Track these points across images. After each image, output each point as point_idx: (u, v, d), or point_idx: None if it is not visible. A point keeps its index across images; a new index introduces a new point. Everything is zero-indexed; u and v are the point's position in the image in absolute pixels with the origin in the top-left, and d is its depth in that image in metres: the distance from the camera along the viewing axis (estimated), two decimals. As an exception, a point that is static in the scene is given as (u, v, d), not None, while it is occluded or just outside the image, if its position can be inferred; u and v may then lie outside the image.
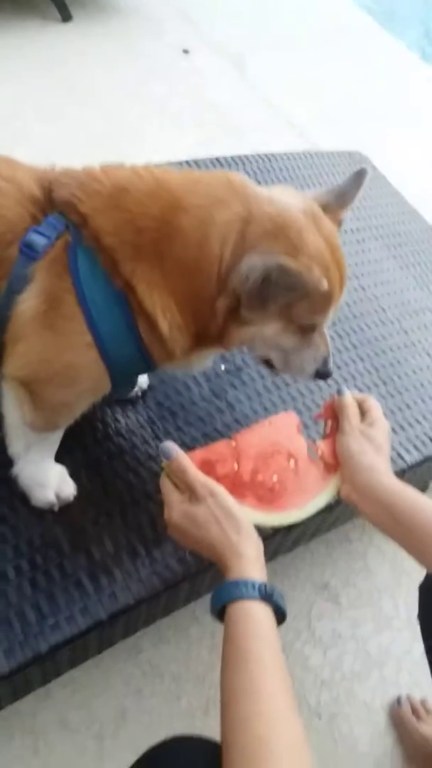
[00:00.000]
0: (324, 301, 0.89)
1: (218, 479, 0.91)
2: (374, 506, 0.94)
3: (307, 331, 0.93)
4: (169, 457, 0.91)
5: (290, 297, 0.86)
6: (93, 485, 1.08)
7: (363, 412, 1.04)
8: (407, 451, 1.32)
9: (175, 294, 0.86)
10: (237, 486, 0.93)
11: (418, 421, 1.38)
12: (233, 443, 0.98)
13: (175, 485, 0.90)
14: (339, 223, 0.97)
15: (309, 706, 1.33)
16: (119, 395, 1.19)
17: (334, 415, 1.04)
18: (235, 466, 0.95)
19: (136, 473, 1.11)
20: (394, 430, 1.29)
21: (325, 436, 1.05)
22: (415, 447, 1.33)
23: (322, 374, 0.98)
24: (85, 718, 1.20)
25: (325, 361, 0.97)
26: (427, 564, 0.90)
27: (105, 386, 0.95)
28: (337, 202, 0.96)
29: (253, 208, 0.85)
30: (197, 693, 1.28)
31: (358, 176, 0.96)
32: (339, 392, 1.05)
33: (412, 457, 1.31)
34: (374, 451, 0.97)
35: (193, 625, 1.35)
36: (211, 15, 3.47)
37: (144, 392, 1.23)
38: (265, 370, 1.34)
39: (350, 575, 1.54)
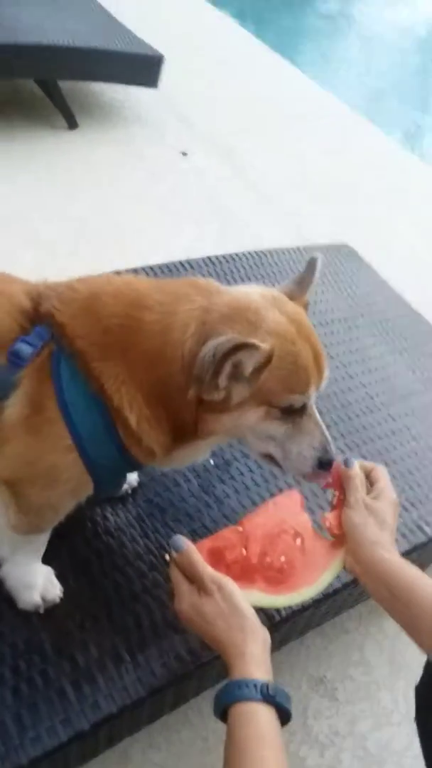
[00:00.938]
0: (298, 377, 0.92)
1: (228, 566, 0.94)
2: (375, 581, 0.94)
3: (292, 415, 0.94)
4: (179, 549, 0.93)
5: (240, 369, 0.87)
6: (80, 585, 1.09)
7: (371, 483, 1.05)
8: (396, 540, 1.32)
9: (142, 387, 0.90)
10: (246, 571, 0.95)
11: (406, 509, 1.39)
12: (240, 528, 1.00)
13: (185, 576, 0.92)
14: (305, 306, 1.02)
15: None
16: (108, 494, 1.21)
17: (341, 485, 1.04)
18: (243, 551, 0.97)
19: (123, 573, 1.13)
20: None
21: (332, 508, 1.05)
22: (403, 536, 1.34)
23: (325, 463, 0.98)
24: None
25: (325, 449, 0.97)
26: (421, 643, 0.89)
27: (87, 487, 0.98)
28: (299, 289, 1.02)
29: (212, 299, 0.91)
30: (190, 800, 1.24)
31: (311, 264, 1.03)
32: (346, 462, 1.05)
33: (401, 546, 1.31)
34: (378, 525, 0.98)
35: (184, 728, 1.32)
36: (206, 115, 3.69)
37: (134, 489, 1.26)
38: (254, 464, 1.38)
39: (347, 668, 1.51)
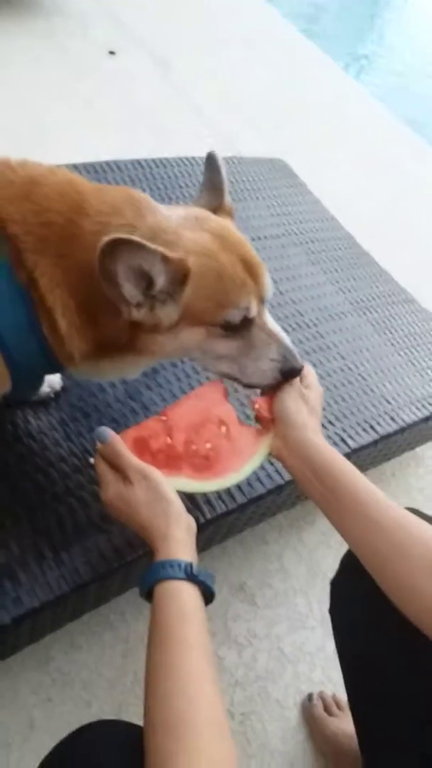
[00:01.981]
0: (226, 291, 0.89)
1: (153, 454, 0.93)
2: (301, 462, 0.95)
3: (239, 331, 0.92)
4: (104, 441, 0.92)
5: (153, 282, 0.84)
6: (0, 488, 1.05)
7: (300, 377, 1.05)
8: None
9: (75, 295, 0.86)
10: (172, 459, 0.94)
11: (331, 423, 1.41)
12: (164, 418, 0.98)
13: (111, 466, 0.91)
14: (230, 213, 1.01)
15: (223, 706, 1.33)
16: (26, 396, 1.16)
17: None
18: (168, 439, 0.96)
19: (45, 474, 1.09)
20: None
21: (263, 393, 1.05)
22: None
23: (289, 372, 0.97)
24: (-9, 729, 1.17)
25: (285, 357, 0.95)
26: (342, 526, 0.90)
27: (4, 383, 0.93)
28: (215, 196, 1.00)
29: (140, 219, 0.88)
30: (109, 698, 1.26)
31: (210, 161, 1.01)
32: None
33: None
34: (309, 411, 1.00)
35: (106, 630, 1.33)
36: (138, 16, 3.47)
37: (57, 393, 1.21)
38: (181, 372, 1.36)
39: (266, 576, 1.56)
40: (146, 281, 0.84)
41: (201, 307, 0.88)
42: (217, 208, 1.00)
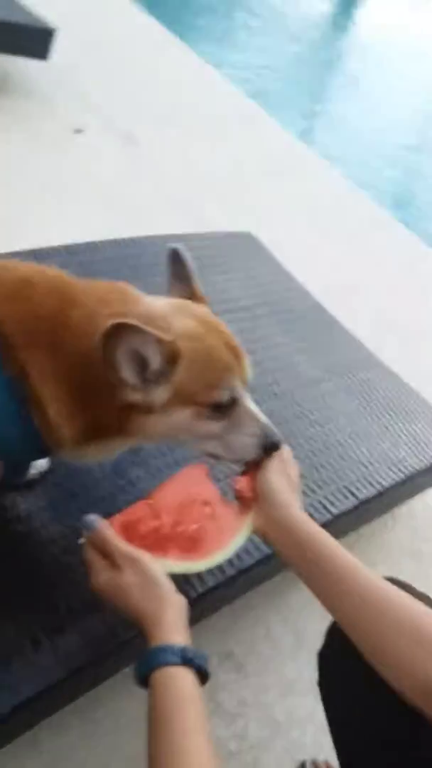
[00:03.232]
0: (215, 372, 0.95)
1: (142, 538, 0.95)
2: (285, 539, 0.98)
3: (225, 411, 0.98)
4: (91, 528, 0.94)
5: (148, 365, 0.90)
6: (-8, 574, 1.07)
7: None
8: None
9: (65, 384, 0.91)
10: (160, 541, 0.97)
11: (312, 491, 1.46)
12: (150, 501, 1.02)
13: (100, 552, 0.93)
14: (204, 301, 1.07)
15: (217, 781, 1.33)
16: (13, 480, 1.19)
17: None
18: (156, 522, 0.99)
19: (36, 558, 1.11)
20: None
21: (243, 472, 1.08)
22: (311, 515, 1.38)
23: (270, 447, 1.02)
24: None
25: (266, 434, 1.01)
26: (325, 600, 0.93)
27: None
28: (187, 289, 1.07)
29: (129, 308, 0.94)
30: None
31: (174, 256, 1.08)
32: None
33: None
34: (291, 489, 1.04)
35: (98, 708, 1.33)
36: (104, 95, 3.62)
37: (43, 475, 1.24)
38: (165, 447, 1.40)
39: (254, 642, 1.57)
40: (141, 364, 0.90)
41: (192, 388, 0.94)
42: (191, 297, 1.07)
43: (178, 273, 1.09)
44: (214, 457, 1.05)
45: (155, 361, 0.90)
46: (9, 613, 1.02)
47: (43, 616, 1.04)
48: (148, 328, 0.87)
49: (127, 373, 0.89)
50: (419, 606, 0.86)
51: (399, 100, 6.84)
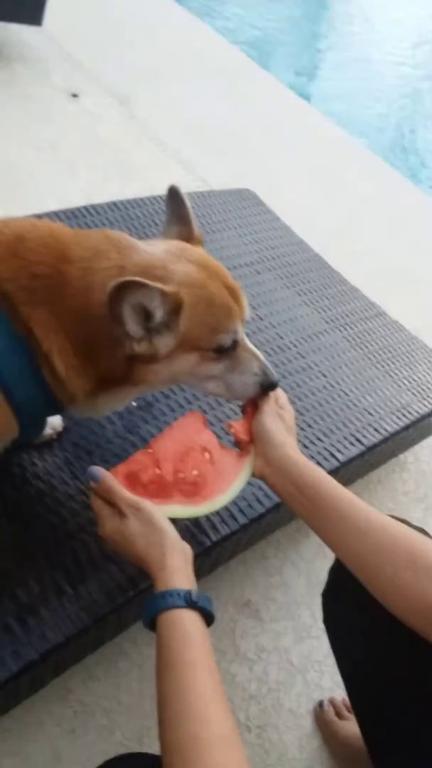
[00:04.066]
0: (218, 317, 0.96)
1: (144, 486, 0.98)
2: (283, 478, 1.00)
3: (226, 352, 0.99)
4: (96, 479, 0.96)
5: (153, 317, 0.91)
6: (14, 530, 1.10)
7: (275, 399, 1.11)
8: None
9: (70, 338, 0.92)
10: (163, 488, 1.00)
11: (319, 439, 1.48)
12: (150, 450, 1.04)
13: (106, 502, 0.96)
14: (200, 242, 1.07)
15: (239, 721, 1.38)
16: (30, 439, 1.21)
17: (253, 400, 1.11)
18: (157, 470, 1.01)
19: (57, 514, 1.14)
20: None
21: (244, 416, 1.11)
22: (318, 463, 1.42)
23: (268, 386, 1.04)
24: (19, 764, 1.20)
25: (265, 372, 1.04)
26: (325, 535, 0.95)
27: (12, 429, 0.98)
28: (185, 227, 1.06)
29: (126, 257, 0.94)
30: (130, 724, 1.30)
31: (172, 195, 1.07)
32: None
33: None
34: (286, 430, 1.06)
35: (121, 659, 1.37)
36: (97, 58, 3.56)
37: (59, 434, 1.26)
38: (175, 403, 1.42)
39: (269, 590, 1.61)
40: (145, 316, 0.91)
41: (196, 335, 0.95)
42: (188, 238, 1.06)
43: (178, 213, 1.07)
44: (215, 395, 1.07)
45: (159, 313, 0.91)
46: (34, 566, 1.06)
47: (66, 567, 1.07)
48: (152, 283, 0.87)
49: (132, 327, 0.90)
50: (415, 534, 0.89)
51: (394, 46, 6.68)
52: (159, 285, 0.89)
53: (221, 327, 0.97)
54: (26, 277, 0.91)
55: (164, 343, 0.94)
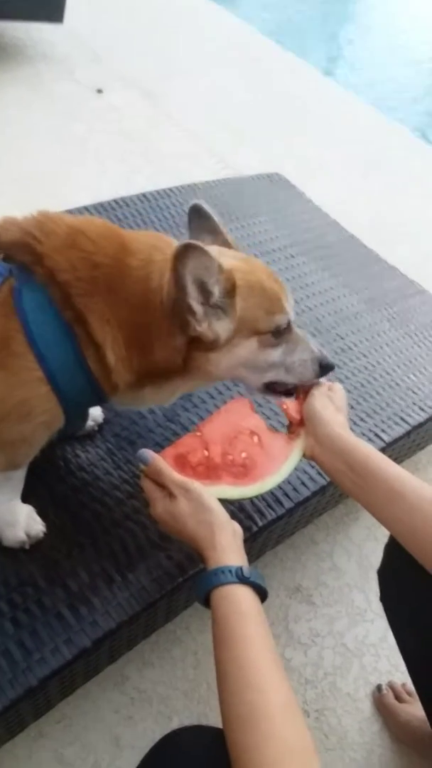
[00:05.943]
0: (271, 298, 0.98)
1: (193, 468, 0.99)
2: (333, 456, 1.01)
3: (282, 335, 1.00)
4: (146, 462, 0.98)
5: (211, 295, 0.92)
6: (61, 520, 1.11)
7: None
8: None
9: (124, 328, 0.93)
10: (211, 470, 1.00)
11: (362, 420, 1.46)
12: (198, 434, 1.04)
13: (156, 484, 0.97)
14: (236, 248, 1.09)
15: (296, 706, 1.37)
16: (73, 430, 1.23)
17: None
18: (205, 452, 1.02)
19: (102, 503, 1.15)
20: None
21: (296, 398, 1.11)
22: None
23: (327, 366, 1.06)
24: (80, 752, 1.22)
25: (321, 353, 1.05)
26: (377, 510, 0.95)
27: (59, 419, 0.99)
28: (219, 238, 1.08)
29: None
30: (187, 710, 1.31)
31: (198, 212, 1.08)
32: None
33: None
34: (335, 409, 1.07)
35: (175, 646, 1.38)
36: (120, 52, 3.58)
37: (100, 426, 1.27)
38: (214, 390, 1.42)
39: (320, 575, 1.60)
40: (203, 294, 0.92)
41: (253, 317, 0.96)
42: (223, 245, 1.07)
43: (207, 228, 1.08)
44: (274, 391, 1.07)
45: (216, 290, 0.92)
46: (83, 556, 1.07)
47: (114, 556, 1.08)
48: (212, 254, 0.89)
49: (194, 301, 0.91)
50: None
51: (423, 25, 6.50)
52: (218, 258, 0.90)
53: (276, 308, 0.98)
54: (86, 267, 0.92)
55: (223, 327, 0.94)
